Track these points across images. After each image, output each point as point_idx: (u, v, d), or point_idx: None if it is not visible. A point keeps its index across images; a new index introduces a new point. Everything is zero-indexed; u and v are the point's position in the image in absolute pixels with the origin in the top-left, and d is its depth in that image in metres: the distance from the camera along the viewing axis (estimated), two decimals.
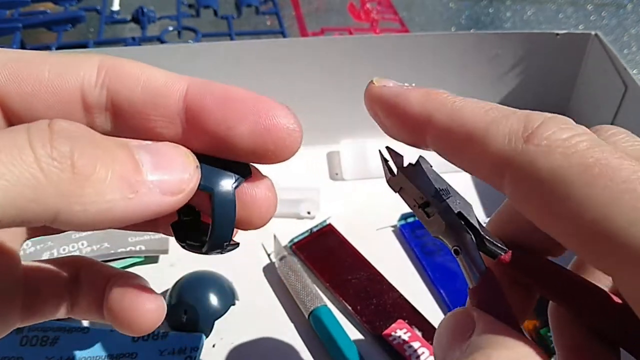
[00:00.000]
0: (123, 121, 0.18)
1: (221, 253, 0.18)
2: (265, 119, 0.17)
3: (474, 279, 0.18)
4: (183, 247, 0.19)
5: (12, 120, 0.17)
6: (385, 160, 0.20)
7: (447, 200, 0.19)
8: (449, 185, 0.19)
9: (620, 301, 0.17)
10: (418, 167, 0.19)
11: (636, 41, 0.66)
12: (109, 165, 0.15)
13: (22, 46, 0.57)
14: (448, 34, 0.47)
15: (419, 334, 0.35)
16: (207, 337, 0.34)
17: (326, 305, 0.36)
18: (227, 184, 0.17)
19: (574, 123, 0.16)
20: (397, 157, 0.20)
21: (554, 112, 0.16)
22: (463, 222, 0.19)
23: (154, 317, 0.19)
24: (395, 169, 0.20)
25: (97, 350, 0.32)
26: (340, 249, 0.40)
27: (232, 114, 0.17)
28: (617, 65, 0.43)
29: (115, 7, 0.64)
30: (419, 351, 0.34)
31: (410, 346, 0.34)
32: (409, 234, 0.42)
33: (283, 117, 0.17)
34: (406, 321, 0.36)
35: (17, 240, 0.21)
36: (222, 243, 0.18)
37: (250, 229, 0.19)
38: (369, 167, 0.47)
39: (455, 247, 0.19)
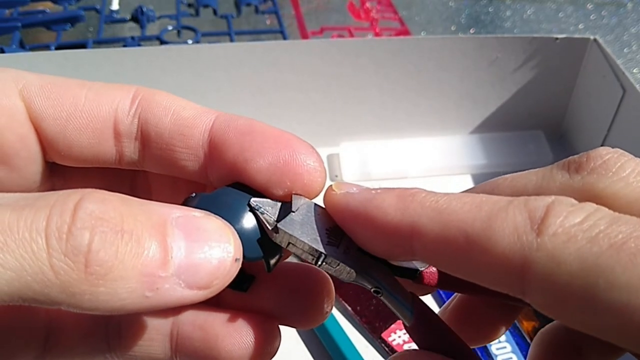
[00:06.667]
0: (149, 151, 0.18)
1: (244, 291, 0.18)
2: (284, 155, 0.16)
3: (406, 316, 0.17)
4: None
5: (44, 143, 0.17)
6: (261, 214, 0.17)
7: (342, 242, 0.17)
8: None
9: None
10: (297, 212, 0.17)
11: (636, 40, 0.66)
12: (132, 258, 0.13)
13: (21, 45, 0.56)
14: (448, 38, 0.47)
15: None
16: None
17: None
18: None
19: (575, 201, 0.14)
20: (270, 207, 0.17)
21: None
22: (370, 256, 0.17)
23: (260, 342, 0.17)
24: (272, 222, 0.17)
25: None
26: None
27: (251, 147, 0.17)
28: (616, 69, 0.43)
29: (115, 6, 0.64)
30: None
31: (410, 347, 0.35)
32: None
33: (303, 154, 0.17)
34: None
35: None
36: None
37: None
38: (369, 170, 0.47)
39: (374, 289, 0.17)
